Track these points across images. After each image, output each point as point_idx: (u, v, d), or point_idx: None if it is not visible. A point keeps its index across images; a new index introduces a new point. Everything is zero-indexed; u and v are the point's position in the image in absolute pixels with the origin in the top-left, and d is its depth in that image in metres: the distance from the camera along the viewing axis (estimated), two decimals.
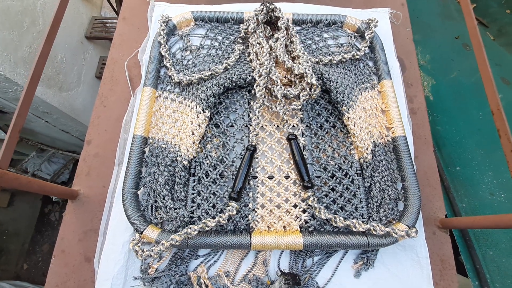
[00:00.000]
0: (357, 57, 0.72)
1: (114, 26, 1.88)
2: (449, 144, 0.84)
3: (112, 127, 0.66)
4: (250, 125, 0.64)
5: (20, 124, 0.51)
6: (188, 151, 0.59)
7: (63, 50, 1.83)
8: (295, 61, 0.67)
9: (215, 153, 0.62)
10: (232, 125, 0.65)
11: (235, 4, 0.79)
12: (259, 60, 0.67)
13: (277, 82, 0.62)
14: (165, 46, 0.70)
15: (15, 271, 2.26)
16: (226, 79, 0.64)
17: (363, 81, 0.71)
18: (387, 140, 0.65)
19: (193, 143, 0.60)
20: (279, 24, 0.70)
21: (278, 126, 0.65)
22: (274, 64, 0.65)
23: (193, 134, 0.60)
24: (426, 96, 0.77)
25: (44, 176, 2.21)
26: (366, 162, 0.61)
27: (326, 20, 0.77)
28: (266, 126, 0.65)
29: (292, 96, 0.62)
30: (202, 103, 0.62)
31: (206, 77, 0.66)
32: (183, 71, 0.70)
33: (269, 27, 0.75)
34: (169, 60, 0.69)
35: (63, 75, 1.74)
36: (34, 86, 0.57)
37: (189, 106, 0.64)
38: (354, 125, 0.62)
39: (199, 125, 0.61)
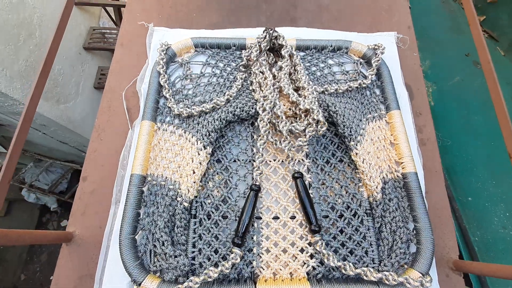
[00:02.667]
0: (364, 85, 0.70)
1: (113, 37, 1.85)
2: (459, 173, 0.81)
3: (109, 162, 0.63)
4: (254, 160, 0.61)
5: (18, 152, 0.48)
6: (189, 191, 0.56)
7: (61, 62, 1.80)
8: (300, 92, 0.64)
9: (217, 191, 0.59)
10: (234, 160, 0.62)
11: (237, 29, 0.77)
12: (262, 91, 0.64)
13: (282, 117, 0.59)
14: (164, 75, 0.67)
15: (12, 281, 2.22)
16: (228, 113, 0.61)
17: (370, 111, 0.69)
18: (397, 176, 0.62)
19: (194, 182, 0.57)
20: (283, 52, 0.67)
21: (282, 161, 0.62)
22: (278, 96, 0.62)
23: (194, 173, 0.57)
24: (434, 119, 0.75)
25: (42, 186, 2.17)
26: (376, 201, 0.58)
27: (331, 46, 0.74)
28: (270, 162, 0.62)
29: (297, 131, 0.59)
30: (203, 139, 0.59)
31: (208, 110, 0.63)
32: (183, 101, 0.67)
33: (272, 54, 0.72)
34: (169, 90, 0.67)
35: (60, 87, 1.71)
36: (35, 105, 0.54)
37: (189, 141, 0.61)
38: (363, 162, 0.59)
39: (200, 163, 0.58)
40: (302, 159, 0.62)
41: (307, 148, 0.63)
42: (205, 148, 0.59)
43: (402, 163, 0.62)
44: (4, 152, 1.83)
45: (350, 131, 0.60)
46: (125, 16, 0.77)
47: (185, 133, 0.63)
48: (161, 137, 0.64)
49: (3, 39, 1.46)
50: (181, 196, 0.56)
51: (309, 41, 0.74)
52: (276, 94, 0.62)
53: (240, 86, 0.68)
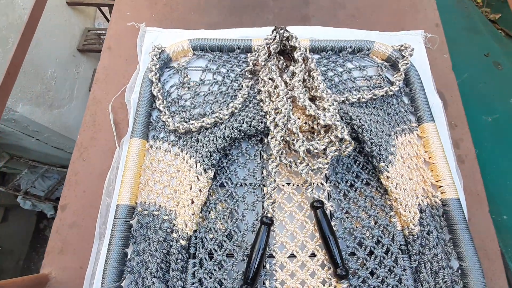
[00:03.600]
0: (391, 93, 0.60)
1: None
2: (493, 188, 0.71)
3: (93, 187, 0.54)
4: (264, 185, 0.51)
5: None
6: (186, 226, 0.46)
7: (53, 65, 1.70)
8: (317, 102, 0.54)
9: (221, 224, 0.49)
10: (241, 185, 0.52)
11: (241, 29, 0.67)
12: (273, 102, 0.54)
13: (298, 135, 0.49)
14: (157, 84, 0.57)
15: None
16: (233, 129, 0.51)
17: (398, 123, 0.59)
18: (435, 202, 0.52)
19: (193, 214, 0.47)
20: (296, 56, 0.57)
21: (298, 185, 0.52)
22: (291, 108, 0.52)
23: (192, 203, 0.47)
24: None
25: (38, 193, 2.09)
26: (413, 235, 0.48)
27: (350, 47, 0.64)
28: (283, 186, 0.52)
29: (316, 151, 0.49)
30: (203, 161, 0.49)
31: (209, 125, 0.53)
32: (180, 113, 0.57)
33: (282, 57, 0.62)
34: (163, 101, 0.57)
35: (54, 92, 1.62)
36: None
37: (187, 163, 0.51)
38: (396, 187, 0.49)
39: (200, 190, 0.48)
40: (322, 183, 0.52)
41: (327, 170, 0.53)
42: (205, 171, 0.49)
43: (441, 186, 0.52)
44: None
45: (380, 150, 0.50)
46: (113, 16, 0.67)
47: (182, 152, 0.53)
48: (153, 156, 0.54)
49: None
50: (177, 231, 0.46)
51: (325, 41, 0.64)
52: (290, 106, 0.52)
53: (246, 95, 0.58)
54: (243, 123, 0.52)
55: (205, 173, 0.49)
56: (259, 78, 0.59)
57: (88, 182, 0.54)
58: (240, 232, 0.48)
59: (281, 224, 0.50)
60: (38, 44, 1.54)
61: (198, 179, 0.49)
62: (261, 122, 0.53)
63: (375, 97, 0.59)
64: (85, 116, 0.58)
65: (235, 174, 0.53)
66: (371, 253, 0.48)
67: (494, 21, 1.39)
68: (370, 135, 0.51)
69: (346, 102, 0.58)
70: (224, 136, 0.51)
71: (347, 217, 0.50)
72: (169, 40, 0.64)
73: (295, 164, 0.50)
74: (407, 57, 0.61)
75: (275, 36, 0.59)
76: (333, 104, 0.52)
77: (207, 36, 0.65)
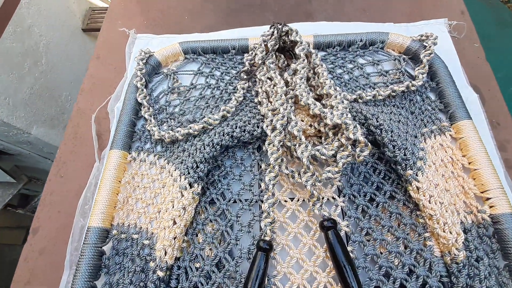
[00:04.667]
0: (414, 88, 0.50)
1: None
2: None
3: (69, 207, 0.47)
4: (262, 201, 0.42)
5: None
6: (166, 253, 0.38)
7: (68, 88, 1.74)
8: (324, 101, 0.46)
9: (210, 249, 0.40)
10: (235, 201, 0.43)
11: (237, 30, 0.61)
12: (271, 103, 0.46)
13: (300, 138, 0.40)
14: (142, 90, 0.51)
15: None
16: (223, 135, 0.44)
17: (425, 123, 0.49)
18: (482, 219, 0.40)
19: (175, 238, 0.39)
20: (297, 51, 0.50)
21: (304, 200, 0.43)
22: (293, 109, 0.44)
23: (174, 223, 0.39)
24: None
25: None
26: (457, 263, 0.36)
27: (361, 40, 0.56)
28: (286, 202, 0.43)
29: (324, 157, 0.40)
30: (189, 173, 0.42)
31: (197, 132, 0.46)
32: (168, 121, 0.51)
33: (282, 56, 0.55)
34: (148, 109, 0.51)
35: (68, 114, 1.64)
36: None
37: (172, 176, 0.44)
38: (430, 201, 0.38)
39: (183, 208, 0.40)
40: (333, 198, 0.42)
41: (340, 181, 0.43)
42: (191, 186, 0.41)
43: (489, 199, 0.41)
44: (14, 183, 1.78)
45: (405, 154, 0.40)
46: (104, 24, 0.64)
47: (168, 164, 0.46)
48: (136, 170, 0.47)
49: (6, 68, 1.42)
50: (155, 259, 0.38)
51: (331, 36, 0.57)
52: (291, 106, 0.44)
53: (242, 98, 0.51)
54: (236, 127, 0.44)
55: (191, 188, 0.41)
56: (257, 79, 0.52)
57: (64, 202, 0.48)
58: (233, 260, 0.39)
59: (283, 249, 0.40)
60: (54, 68, 1.59)
61: (182, 195, 0.41)
62: (257, 127, 0.45)
63: (394, 94, 0.50)
64: (67, 128, 0.54)
65: (229, 188, 0.44)
66: (402, 287, 0.37)
67: None
68: (392, 136, 0.41)
69: (359, 100, 0.49)
70: (213, 144, 0.43)
71: (368, 240, 0.39)
72: (161, 46, 0.59)
73: (298, 174, 0.40)
74: (430, 46, 0.51)
75: (273, 32, 0.53)
76: (342, 102, 0.43)
77: (201, 39, 0.60)
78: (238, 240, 0.40)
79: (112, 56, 0.61)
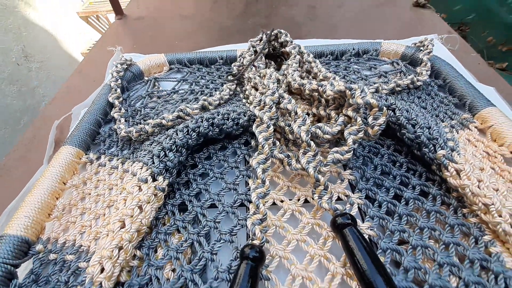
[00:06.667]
0: (419, 83, 0.45)
1: None
2: None
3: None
4: (250, 201, 0.31)
5: None
6: (102, 270, 0.25)
7: None
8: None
9: (171, 270, 0.27)
10: (213, 205, 0.32)
11: (227, 46, 0.60)
12: (260, 93, 0.40)
13: (296, 112, 0.32)
14: (116, 90, 0.46)
15: None
16: (202, 122, 0.35)
17: (442, 119, 0.41)
18: None
19: (120, 249, 0.26)
20: (287, 49, 0.47)
21: (306, 200, 0.32)
22: (286, 91, 0.38)
23: (123, 227, 0.27)
24: None
25: None
26: None
27: (353, 49, 0.54)
28: (282, 203, 0.31)
29: (328, 136, 0.31)
30: (153, 162, 0.32)
31: (170, 123, 0.38)
32: (140, 123, 0.43)
33: (272, 62, 0.52)
34: (120, 110, 0.44)
35: None
36: None
37: (132, 174, 0.34)
38: (480, 186, 0.28)
39: (139, 207, 0.28)
40: (346, 195, 0.31)
41: (352, 174, 0.33)
42: (154, 179, 0.31)
43: None
44: None
45: (430, 133, 0.32)
46: (94, 48, 0.64)
47: (132, 164, 0.36)
48: (91, 175, 0.37)
49: (1, 122, 1.41)
50: (83, 283, 0.24)
51: (322, 46, 0.55)
52: (284, 91, 0.38)
53: (227, 97, 0.45)
54: (217, 114, 0.36)
55: (153, 181, 0.30)
56: (245, 80, 0.48)
57: None
58: (205, 284, 0.25)
59: (281, 265, 0.27)
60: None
61: (140, 189, 0.30)
62: (244, 115, 0.37)
63: (398, 88, 0.44)
64: (24, 133, 0.45)
65: (206, 188, 0.33)
66: None
67: (503, 69, 1.35)
68: (409, 115, 0.34)
69: None
70: (188, 129, 0.34)
71: (407, 251, 0.27)
72: None
73: (296, 159, 0.31)
74: (427, 45, 0.49)
75: (262, 37, 0.51)
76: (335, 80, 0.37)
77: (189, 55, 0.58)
78: (215, 253, 0.27)
79: (95, 71, 0.58)
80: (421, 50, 0.51)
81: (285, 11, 0.76)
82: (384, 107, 0.29)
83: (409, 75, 0.48)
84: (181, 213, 0.32)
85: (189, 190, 0.33)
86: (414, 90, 0.46)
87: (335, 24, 0.70)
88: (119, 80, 0.47)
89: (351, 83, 0.46)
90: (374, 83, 0.48)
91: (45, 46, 1.69)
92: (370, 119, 0.29)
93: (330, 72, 0.40)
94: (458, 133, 0.39)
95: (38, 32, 1.66)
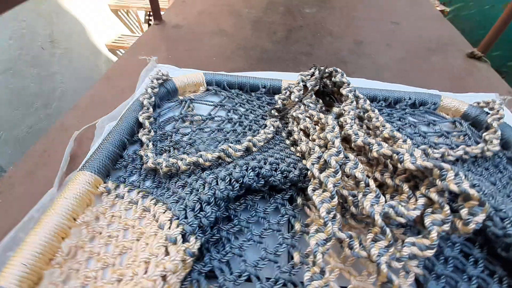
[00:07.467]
0: (488, 154, 0.39)
1: None
2: None
3: None
4: (293, 284, 0.25)
5: None
6: None
7: None
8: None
9: None
10: (248, 279, 0.26)
11: (270, 73, 0.56)
12: (314, 140, 0.35)
13: (368, 184, 0.27)
14: (148, 109, 0.41)
15: None
16: (247, 170, 0.30)
17: None
18: None
19: None
20: (344, 91, 0.42)
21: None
22: (343, 148, 0.32)
23: None
24: None
25: None
26: None
27: (410, 98, 0.49)
28: None
29: (402, 220, 0.25)
30: (185, 216, 0.26)
31: (208, 163, 0.33)
32: (170, 150, 0.38)
33: (321, 101, 0.47)
34: (149, 131, 0.39)
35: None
36: None
37: (157, 221, 0.28)
38: None
39: (162, 278, 0.23)
40: None
41: (419, 268, 0.27)
42: (185, 239, 0.25)
43: None
44: None
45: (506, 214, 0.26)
46: (125, 54, 0.60)
47: (155, 205, 0.31)
48: (106, 209, 0.32)
49: (14, 103, 1.38)
50: None
51: (375, 90, 0.50)
52: (340, 141, 0.33)
53: (271, 136, 0.40)
54: (265, 163, 0.31)
55: (183, 242, 0.25)
56: (290, 119, 0.42)
57: None
58: None
59: None
60: (61, 114, 1.55)
61: (167, 252, 0.24)
62: (294, 168, 0.32)
63: (466, 157, 0.39)
64: (34, 145, 0.40)
65: (241, 255, 0.28)
66: None
67: None
68: (496, 203, 0.28)
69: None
70: (231, 179, 0.29)
71: None
72: None
73: (360, 241, 0.25)
74: (498, 110, 0.43)
75: (313, 72, 0.46)
76: (414, 150, 0.31)
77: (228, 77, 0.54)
78: None
79: (125, 80, 0.54)
80: (487, 112, 0.45)
81: (329, 41, 0.72)
82: (487, 202, 0.23)
83: (474, 140, 0.43)
84: (209, 282, 0.26)
85: (220, 254, 0.28)
86: (481, 160, 0.40)
87: (382, 64, 0.66)
88: (153, 97, 0.42)
89: (407, 137, 0.40)
90: (435, 144, 0.42)
91: (72, 34, 1.68)
92: (463, 213, 0.24)
93: (396, 130, 0.35)
94: None
95: (68, 20, 1.66)
